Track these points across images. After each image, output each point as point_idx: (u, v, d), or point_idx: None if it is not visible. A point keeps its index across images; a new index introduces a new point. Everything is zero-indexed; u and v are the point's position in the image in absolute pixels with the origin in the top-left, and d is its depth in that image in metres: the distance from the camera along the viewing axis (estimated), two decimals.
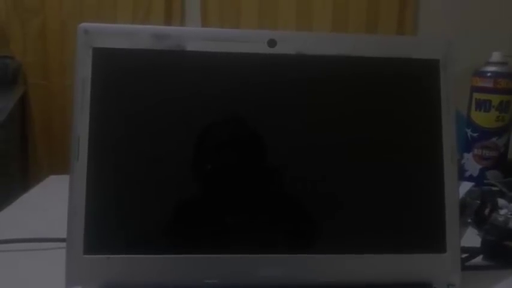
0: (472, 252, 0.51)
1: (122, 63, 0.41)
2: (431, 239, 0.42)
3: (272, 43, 0.41)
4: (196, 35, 0.41)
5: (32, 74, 1.60)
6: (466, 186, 0.65)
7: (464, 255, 0.49)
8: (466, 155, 0.77)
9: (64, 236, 0.39)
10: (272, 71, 0.42)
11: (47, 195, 0.68)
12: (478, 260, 0.51)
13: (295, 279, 0.40)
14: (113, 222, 0.40)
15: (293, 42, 0.42)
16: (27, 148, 1.65)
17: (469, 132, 0.76)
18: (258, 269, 0.40)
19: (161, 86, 0.41)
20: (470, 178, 0.75)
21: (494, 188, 0.71)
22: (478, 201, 0.60)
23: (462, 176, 0.76)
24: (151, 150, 0.41)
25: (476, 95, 0.75)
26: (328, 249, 0.41)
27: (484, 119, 0.74)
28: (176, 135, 0.41)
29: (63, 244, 0.39)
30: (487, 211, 0.59)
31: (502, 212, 0.55)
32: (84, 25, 0.40)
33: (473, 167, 0.76)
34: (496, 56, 0.74)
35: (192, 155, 0.41)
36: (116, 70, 0.41)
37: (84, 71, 0.40)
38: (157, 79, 0.41)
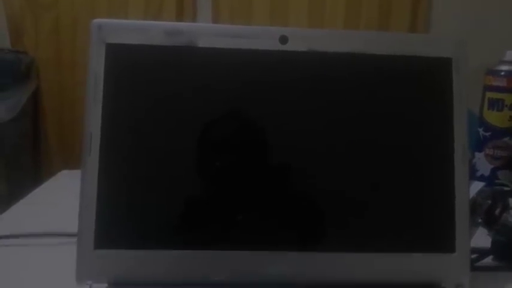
0: (481, 252, 0.50)
1: (135, 59, 0.41)
2: (440, 238, 0.42)
3: (284, 40, 0.41)
4: (208, 32, 0.41)
5: (45, 69, 1.62)
6: (477, 186, 0.64)
7: (473, 256, 0.49)
8: (477, 154, 0.76)
9: (75, 230, 0.40)
10: (284, 68, 0.42)
11: (59, 190, 0.69)
12: (488, 260, 0.50)
13: (303, 276, 0.40)
14: (123, 217, 0.40)
15: (305, 39, 0.42)
16: (40, 143, 1.67)
17: (481, 131, 0.76)
18: (266, 266, 0.40)
19: (173, 81, 0.41)
20: (481, 178, 0.75)
21: (505, 188, 0.70)
22: (489, 201, 0.59)
23: (473, 175, 0.75)
24: (162, 146, 0.41)
25: (489, 94, 0.74)
26: (337, 248, 0.41)
27: (497, 118, 0.74)
28: (187, 131, 0.41)
29: (74, 239, 0.40)
30: (497, 211, 0.58)
31: None
32: (97, 21, 0.41)
33: (484, 166, 0.75)
34: (510, 55, 0.73)
35: (203, 151, 0.41)
36: (129, 66, 0.41)
37: (97, 66, 0.40)
38: (170, 75, 0.41)
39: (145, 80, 0.41)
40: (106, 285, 0.39)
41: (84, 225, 0.39)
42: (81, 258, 0.39)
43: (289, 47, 0.41)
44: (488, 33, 1.48)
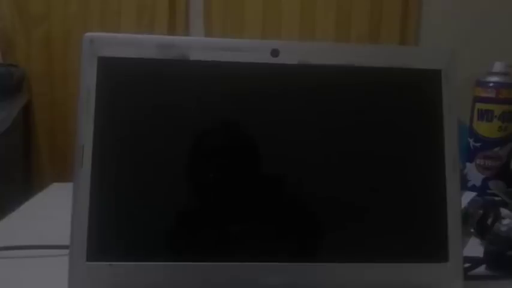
0: (474, 261, 0.50)
1: (127, 72, 0.41)
2: (433, 248, 0.42)
3: (275, 53, 0.42)
4: (200, 45, 0.41)
5: (36, 82, 1.61)
6: (468, 196, 0.65)
7: (466, 265, 0.49)
8: (468, 164, 0.77)
9: (67, 243, 0.39)
10: (275, 81, 0.42)
11: (50, 203, 0.69)
12: (481, 269, 0.51)
13: (297, 286, 0.40)
14: (115, 230, 0.40)
15: (296, 52, 0.42)
16: (31, 156, 1.65)
17: (471, 142, 0.76)
18: (259, 277, 0.40)
19: (165, 95, 0.41)
20: (472, 188, 0.75)
21: (496, 198, 0.71)
22: (481, 211, 0.60)
23: (465, 185, 0.76)
24: (154, 159, 0.41)
25: (478, 105, 0.75)
26: (329, 258, 0.41)
27: (487, 129, 0.75)
28: (180, 144, 0.41)
29: (66, 251, 0.39)
30: (489, 221, 0.59)
31: (505, 222, 0.55)
32: (89, 35, 0.41)
33: (475, 177, 0.76)
34: (498, 66, 0.74)
35: (195, 163, 0.41)
36: (121, 79, 0.41)
37: (89, 79, 0.40)
38: (162, 88, 0.41)
39: (137, 93, 0.41)
40: None
41: (76, 238, 0.39)
42: (74, 271, 0.39)
43: (280, 60, 0.42)
44: (477, 45, 1.50)
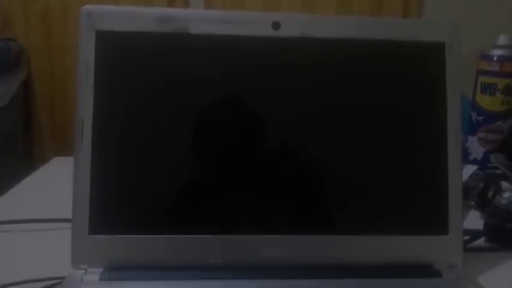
0: (474, 234, 0.51)
1: (126, 46, 0.41)
2: (433, 221, 0.42)
3: (276, 25, 0.41)
4: (200, 18, 0.41)
5: (35, 56, 1.60)
6: (469, 169, 0.65)
7: (466, 237, 0.49)
8: (470, 138, 0.77)
9: (69, 216, 0.40)
10: (276, 54, 0.42)
11: (52, 177, 0.69)
12: (480, 242, 0.51)
13: (297, 259, 0.41)
14: (117, 203, 0.40)
15: (297, 24, 0.41)
16: (32, 130, 1.65)
17: (474, 115, 0.76)
18: (261, 249, 0.40)
19: (165, 68, 0.41)
20: (474, 161, 0.75)
21: (497, 171, 0.71)
22: (482, 184, 0.60)
23: (466, 159, 0.76)
24: (155, 132, 0.41)
25: (481, 79, 0.75)
26: (330, 231, 0.42)
27: (490, 102, 0.74)
28: (180, 117, 0.41)
29: (69, 225, 0.40)
30: (490, 194, 0.59)
31: (505, 195, 0.55)
32: (87, 7, 0.40)
33: (477, 150, 0.76)
34: (502, 39, 0.73)
35: (196, 136, 0.41)
36: (120, 53, 0.41)
37: (87, 53, 0.40)
38: (161, 61, 0.41)
39: (136, 66, 0.41)
40: (102, 269, 0.39)
41: (78, 211, 0.39)
42: (76, 244, 0.39)
43: (281, 32, 0.41)
44: (482, 18, 1.48)
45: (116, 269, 0.39)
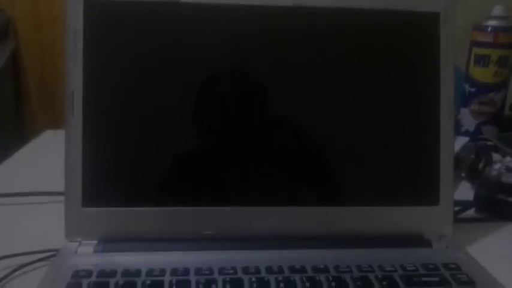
0: (464, 205, 0.52)
1: (115, 14, 0.40)
2: (425, 191, 0.43)
3: None
4: None
5: (23, 27, 1.56)
6: (461, 141, 0.65)
7: (457, 208, 0.50)
8: (463, 110, 0.77)
9: (62, 189, 0.39)
10: (269, 23, 0.41)
11: (44, 150, 0.68)
12: (471, 212, 0.52)
13: (289, 230, 0.41)
14: (110, 175, 0.40)
15: None
16: (22, 103, 1.63)
17: (466, 87, 0.76)
18: (253, 220, 0.41)
19: (155, 37, 0.40)
20: (466, 133, 0.76)
21: (489, 143, 0.72)
22: (473, 156, 0.60)
23: (458, 130, 0.76)
24: (147, 103, 0.40)
25: (475, 50, 0.74)
26: (320, 202, 0.42)
27: (483, 74, 0.74)
28: (173, 88, 0.40)
29: (62, 198, 0.39)
30: (481, 166, 0.60)
31: (496, 166, 0.56)
32: None
33: (469, 122, 0.76)
34: (497, 10, 0.72)
35: (190, 108, 0.40)
36: (109, 21, 0.40)
37: (75, 22, 0.39)
38: (151, 30, 0.40)
39: (127, 35, 0.40)
40: (95, 241, 0.39)
41: (71, 184, 0.39)
42: (70, 216, 0.39)
43: (274, 1, 0.40)
44: None
45: (109, 241, 0.39)
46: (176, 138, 0.41)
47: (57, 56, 1.53)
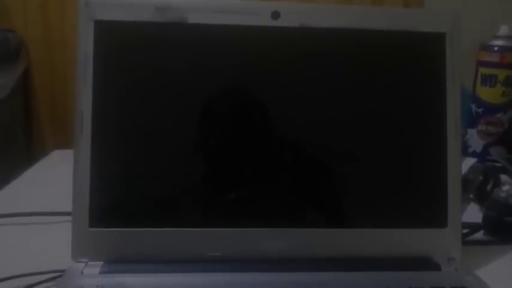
0: (473, 227, 0.51)
1: (124, 36, 0.40)
2: (432, 213, 0.42)
3: (276, 15, 0.41)
4: (198, 7, 0.40)
5: (34, 47, 1.59)
6: (469, 162, 0.65)
7: (465, 230, 0.49)
8: (470, 130, 0.76)
9: (69, 209, 0.39)
10: (276, 44, 0.41)
11: (52, 170, 0.69)
12: (479, 235, 0.51)
13: (297, 252, 0.41)
14: (117, 196, 0.40)
15: (297, 14, 0.41)
16: (32, 123, 1.65)
17: (473, 107, 0.76)
18: (261, 242, 0.40)
19: (164, 58, 0.41)
20: (473, 154, 0.75)
21: (497, 164, 0.71)
22: (481, 177, 0.60)
23: (466, 151, 0.76)
24: (155, 124, 0.41)
25: (482, 70, 0.74)
26: (329, 224, 0.42)
27: (490, 94, 0.74)
28: (179, 108, 0.41)
29: (69, 218, 0.40)
30: (489, 187, 0.59)
31: (505, 188, 0.55)
32: None
33: (477, 142, 0.76)
34: (503, 30, 0.73)
35: (196, 128, 0.41)
36: (118, 43, 0.40)
37: (86, 44, 0.40)
38: (160, 51, 0.41)
39: (135, 56, 0.40)
40: (102, 262, 0.39)
41: (78, 204, 0.39)
42: (76, 237, 0.39)
43: (281, 22, 0.41)
44: (482, 8, 1.47)
45: (116, 262, 0.39)
46: (184, 159, 0.41)
47: (67, 77, 1.55)
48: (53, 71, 1.60)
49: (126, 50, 0.40)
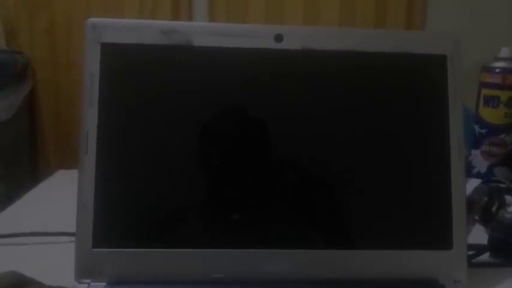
0: (478, 249, 0.50)
1: (130, 58, 0.41)
2: (437, 235, 0.42)
3: (279, 38, 0.41)
4: (203, 30, 0.41)
5: (41, 68, 1.61)
6: (473, 183, 0.64)
7: (471, 252, 0.49)
8: (473, 151, 0.76)
9: (73, 230, 0.39)
10: (279, 66, 0.42)
11: (56, 190, 0.69)
12: (485, 257, 0.51)
13: (300, 274, 0.40)
14: (121, 217, 0.40)
15: (300, 37, 0.42)
16: (37, 142, 1.66)
17: (477, 128, 0.76)
18: (264, 263, 0.40)
19: (168, 81, 0.41)
20: (477, 175, 0.75)
21: (501, 185, 0.71)
22: (486, 198, 0.60)
23: (470, 172, 0.76)
24: (159, 145, 0.41)
25: (484, 91, 0.75)
26: (332, 246, 0.41)
27: (493, 115, 0.74)
28: (183, 130, 0.41)
29: (73, 238, 0.40)
30: (494, 208, 0.59)
31: (510, 209, 0.55)
32: (92, 20, 0.41)
33: (481, 163, 0.76)
34: (504, 52, 0.73)
35: (200, 149, 0.41)
36: (124, 65, 0.41)
37: (92, 66, 0.40)
38: (165, 74, 0.41)
39: (141, 79, 0.41)
40: (104, 284, 0.39)
41: (82, 225, 0.39)
42: (80, 258, 0.39)
43: (284, 45, 0.41)
44: (484, 30, 1.48)
45: (119, 283, 0.39)
46: (187, 179, 0.41)
47: (73, 98, 1.56)
48: (58, 92, 1.62)
49: (131, 72, 0.41)
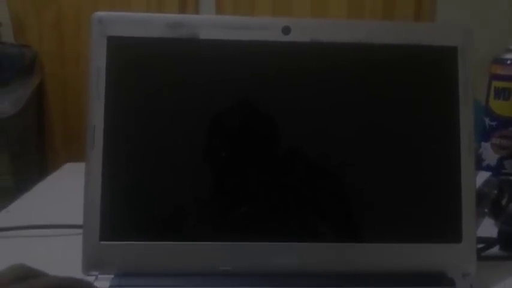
0: (488, 242, 0.50)
1: (137, 52, 0.41)
2: (447, 228, 0.42)
3: (286, 30, 0.41)
4: (210, 23, 0.41)
5: (48, 62, 1.61)
6: (483, 176, 0.64)
7: (480, 245, 0.48)
8: (484, 144, 0.75)
9: (80, 222, 0.40)
10: (287, 59, 0.41)
11: (64, 183, 0.69)
12: (495, 250, 0.50)
13: (308, 267, 0.40)
14: (128, 209, 0.40)
15: (307, 29, 0.41)
16: (45, 136, 1.67)
17: (487, 121, 0.75)
18: (271, 256, 0.40)
19: (175, 74, 0.41)
20: (487, 168, 0.74)
21: None
22: (496, 191, 0.59)
23: (480, 165, 0.75)
24: (166, 138, 0.41)
25: (495, 83, 0.74)
26: (340, 239, 0.41)
27: (503, 107, 0.73)
28: (191, 122, 0.41)
29: (80, 230, 0.40)
30: (504, 201, 0.58)
31: None
32: (98, 14, 0.40)
33: (491, 156, 0.75)
34: None
35: (207, 142, 0.41)
36: (131, 58, 0.41)
37: (99, 59, 0.40)
38: (172, 67, 0.41)
39: (147, 72, 0.41)
40: (112, 276, 0.39)
41: (89, 218, 0.39)
42: (87, 250, 0.39)
43: (292, 37, 0.41)
44: (495, 22, 1.46)
45: (126, 276, 0.39)
46: (194, 172, 0.41)
47: (80, 92, 1.57)
48: (66, 86, 1.62)
49: (137, 65, 0.41)
